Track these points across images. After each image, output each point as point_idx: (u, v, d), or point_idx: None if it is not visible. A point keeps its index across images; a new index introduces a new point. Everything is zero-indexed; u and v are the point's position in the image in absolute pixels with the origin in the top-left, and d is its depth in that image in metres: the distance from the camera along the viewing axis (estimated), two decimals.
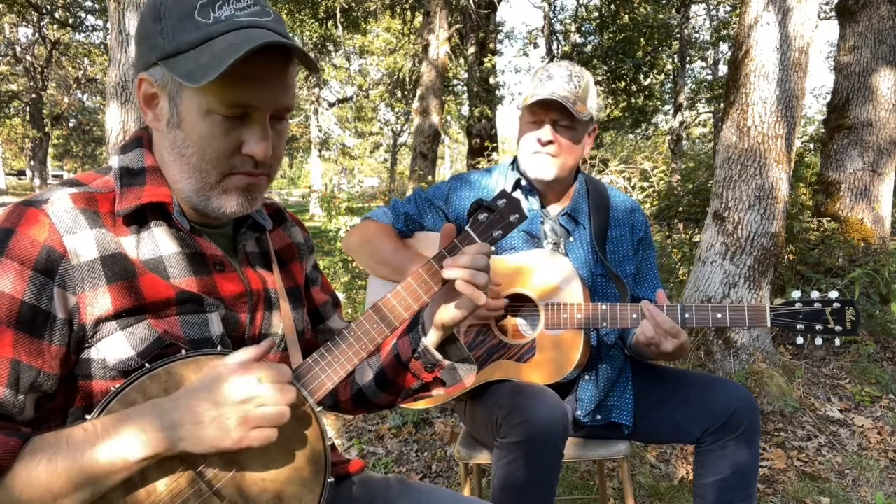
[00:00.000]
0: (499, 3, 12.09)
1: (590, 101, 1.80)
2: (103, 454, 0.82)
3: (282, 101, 0.95)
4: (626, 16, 13.16)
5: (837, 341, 1.58)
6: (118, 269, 0.91)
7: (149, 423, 0.84)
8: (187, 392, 0.87)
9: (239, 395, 0.85)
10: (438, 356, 1.15)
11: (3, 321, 0.84)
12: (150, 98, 0.96)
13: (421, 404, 1.77)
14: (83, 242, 0.89)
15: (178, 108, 0.93)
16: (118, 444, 0.82)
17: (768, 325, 1.58)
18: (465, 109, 18.87)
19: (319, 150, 25.61)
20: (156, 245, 0.96)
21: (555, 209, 1.89)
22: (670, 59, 16.26)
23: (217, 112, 0.91)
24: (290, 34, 0.97)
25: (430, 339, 1.14)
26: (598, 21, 14.09)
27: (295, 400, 0.90)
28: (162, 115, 0.95)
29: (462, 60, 12.58)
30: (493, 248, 1.11)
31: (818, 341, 1.59)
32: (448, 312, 1.09)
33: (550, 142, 1.75)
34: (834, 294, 1.57)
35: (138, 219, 0.96)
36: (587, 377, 1.80)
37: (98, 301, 0.89)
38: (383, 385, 1.21)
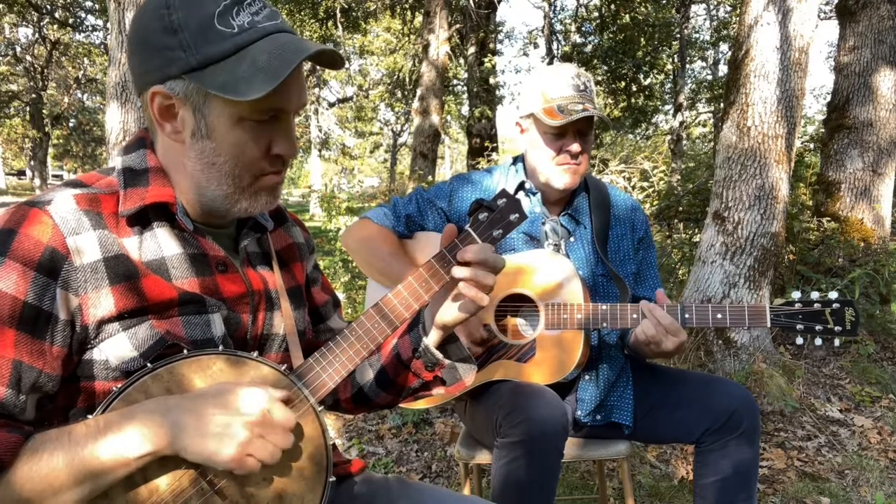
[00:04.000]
0: (499, 3, 12.08)
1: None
2: (104, 449, 0.82)
3: (302, 101, 0.98)
4: (626, 16, 13.17)
5: (837, 342, 1.58)
6: (121, 270, 0.91)
7: (151, 419, 0.84)
8: (196, 396, 0.87)
9: (251, 412, 0.85)
10: (439, 355, 1.15)
11: (5, 321, 0.84)
12: (167, 110, 0.94)
13: (421, 404, 1.77)
14: (86, 243, 0.90)
15: (205, 119, 0.92)
16: (119, 439, 0.82)
17: (768, 325, 1.59)
18: (465, 109, 18.87)
19: (319, 150, 25.59)
20: (158, 246, 0.96)
21: (556, 209, 1.89)
22: (670, 59, 16.26)
23: (250, 118, 0.92)
24: None
25: (431, 339, 1.14)
26: (598, 21, 14.10)
27: (289, 446, 0.89)
28: (185, 127, 0.94)
29: (462, 60, 12.57)
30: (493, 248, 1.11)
31: (818, 341, 1.59)
32: (450, 313, 1.10)
33: (580, 153, 1.78)
34: (834, 294, 1.57)
35: (141, 219, 0.96)
36: (587, 377, 1.80)
37: (101, 302, 0.89)
38: (384, 384, 1.21)
